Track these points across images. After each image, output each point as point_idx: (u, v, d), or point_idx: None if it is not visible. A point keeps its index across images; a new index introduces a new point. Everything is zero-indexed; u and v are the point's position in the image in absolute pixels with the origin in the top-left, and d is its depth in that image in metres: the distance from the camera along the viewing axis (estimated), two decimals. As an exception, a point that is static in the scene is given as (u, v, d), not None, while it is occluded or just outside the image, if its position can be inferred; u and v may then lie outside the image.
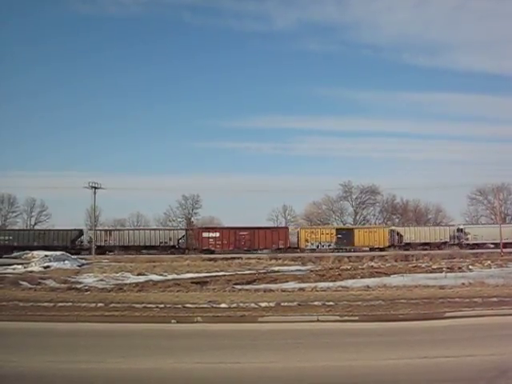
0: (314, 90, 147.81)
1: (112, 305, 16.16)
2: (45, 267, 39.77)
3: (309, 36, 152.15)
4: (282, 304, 16.06)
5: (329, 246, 66.89)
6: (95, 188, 58.32)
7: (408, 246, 67.05)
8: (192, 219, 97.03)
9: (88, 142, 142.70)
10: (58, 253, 50.01)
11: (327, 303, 16.03)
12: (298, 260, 49.57)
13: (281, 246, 66.65)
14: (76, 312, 15.11)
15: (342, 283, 24.97)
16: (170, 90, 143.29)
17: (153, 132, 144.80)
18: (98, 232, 68.73)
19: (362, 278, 30.32)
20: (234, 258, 51.46)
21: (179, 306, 15.94)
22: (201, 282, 26.89)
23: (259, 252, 64.64)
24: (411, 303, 15.95)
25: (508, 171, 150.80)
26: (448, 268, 34.28)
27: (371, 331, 12.78)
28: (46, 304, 16.43)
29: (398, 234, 69.50)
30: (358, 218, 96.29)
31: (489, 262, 43.10)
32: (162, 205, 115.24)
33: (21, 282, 24.29)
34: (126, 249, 65.92)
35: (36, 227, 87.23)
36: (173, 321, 14.13)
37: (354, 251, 64.44)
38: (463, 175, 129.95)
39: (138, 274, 33.07)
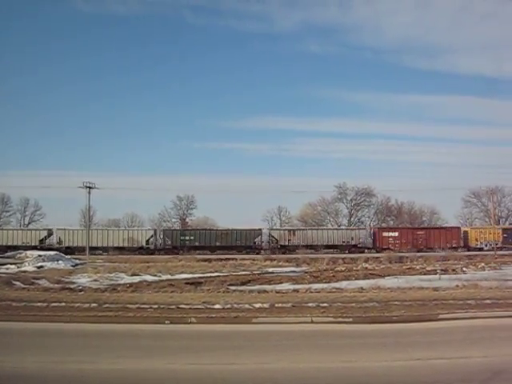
0: (314, 92, 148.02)
1: (106, 305, 16.13)
2: (38, 267, 39.60)
3: (310, 37, 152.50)
4: (276, 305, 16.07)
5: (496, 244, 66.97)
6: (90, 188, 58.11)
7: None
8: (187, 220, 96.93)
9: (83, 142, 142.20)
10: (52, 253, 49.85)
11: (321, 305, 16.06)
12: (293, 261, 49.51)
13: (454, 245, 67.70)
14: (69, 312, 15.08)
15: (336, 285, 24.97)
16: (166, 90, 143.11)
17: (148, 132, 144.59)
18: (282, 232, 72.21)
19: (356, 279, 30.27)
20: (228, 259, 51.40)
21: (173, 306, 15.93)
22: (195, 283, 26.82)
23: (435, 251, 64.78)
24: (405, 305, 15.99)
25: (502, 174, 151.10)
26: (442, 270, 34.29)
27: (365, 333, 12.81)
28: (39, 304, 16.39)
29: None
30: (352, 219, 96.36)
31: (483, 264, 43.17)
32: (156, 205, 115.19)
33: (14, 282, 24.19)
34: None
35: (30, 226, 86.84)
36: (167, 321, 14.10)
37: None
38: (458, 178, 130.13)
39: (132, 275, 32.96)
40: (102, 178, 76.59)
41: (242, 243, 67.80)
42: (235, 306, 16.00)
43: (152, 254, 64.26)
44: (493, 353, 9.93)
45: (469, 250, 65.66)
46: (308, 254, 59.77)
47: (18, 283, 24.08)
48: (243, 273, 37.79)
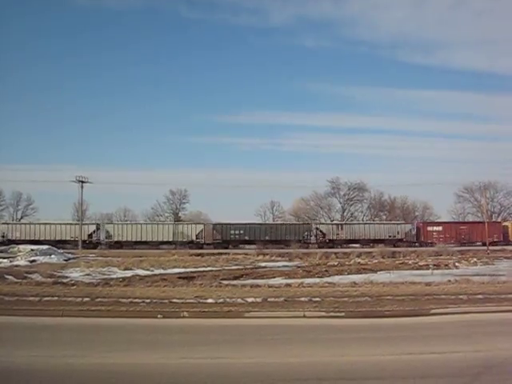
0: (308, 86, 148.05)
1: (98, 299, 16.09)
2: (31, 261, 39.55)
3: (305, 32, 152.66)
4: (269, 300, 16.08)
5: None
6: (82, 182, 58.04)
7: None
8: (179, 214, 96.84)
9: (76, 136, 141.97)
10: (45, 247, 49.77)
11: (314, 299, 16.08)
12: (286, 256, 49.59)
13: (495, 239, 68.59)
14: (62, 306, 15.03)
15: (329, 279, 25.04)
16: (160, 85, 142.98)
17: (143, 127, 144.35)
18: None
19: (348, 274, 30.44)
20: (221, 254, 51.44)
21: (166, 301, 15.90)
22: (188, 277, 26.85)
23: (476, 245, 66.54)
24: (397, 300, 16.03)
25: (495, 169, 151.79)
26: (434, 265, 34.42)
27: (357, 327, 12.84)
28: (31, 298, 16.33)
29: None
30: (345, 214, 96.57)
31: (475, 259, 43.38)
32: (149, 200, 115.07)
33: (6, 276, 24.11)
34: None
35: (22, 220, 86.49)
36: (159, 316, 14.09)
37: None
38: (451, 173, 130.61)
39: (125, 269, 32.99)
40: (94, 173, 76.40)
41: (291, 237, 68.27)
42: (228, 300, 16.00)
43: (201, 248, 64.93)
44: (484, 347, 9.98)
45: (507, 245, 66.49)
46: (357, 249, 61.61)
47: (10, 277, 24.00)
48: (236, 267, 37.91)
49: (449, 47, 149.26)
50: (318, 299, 16.08)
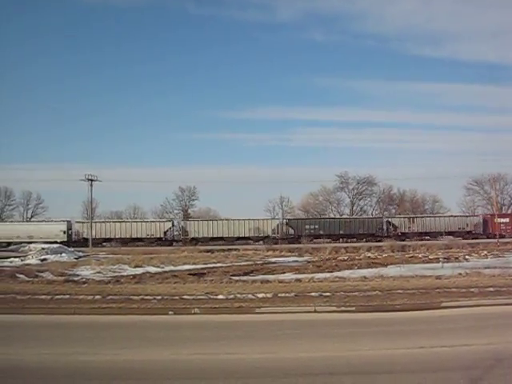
0: (316, 81, 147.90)
1: (109, 297, 16.17)
2: (42, 260, 39.75)
3: (313, 26, 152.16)
4: (279, 295, 16.09)
5: None
6: (92, 180, 58.25)
7: None
8: (189, 211, 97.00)
9: (84, 134, 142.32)
10: (55, 245, 50.04)
11: (324, 294, 16.08)
12: (295, 251, 49.54)
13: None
14: (73, 304, 15.12)
15: (339, 274, 24.99)
16: (167, 82, 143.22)
17: (150, 124, 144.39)
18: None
19: (358, 268, 30.31)
20: (230, 250, 51.48)
21: (176, 297, 15.96)
22: (198, 274, 26.93)
23: None
24: (408, 293, 16.01)
25: (505, 161, 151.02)
26: (445, 258, 34.22)
27: (368, 322, 12.83)
28: (43, 297, 16.43)
29: None
30: (354, 208, 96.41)
31: (485, 252, 43.17)
32: (158, 197, 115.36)
33: (18, 275, 24.25)
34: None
35: (33, 219, 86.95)
36: (170, 312, 14.15)
37: None
38: (460, 165, 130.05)
39: (135, 266, 33.02)
40: (103, 171, 76.84)
41: (365, 231, 69.48)
42: (238, 296, 16.03)
43: (276, 243, 65.02)
44: (496, 340, 9.95)
45: None
46: (426, 241, 62.36)
47: (21, 276, 24.14)
48: (246, 263, 37.91)
49: (458, 39, 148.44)
50: (328, 294, 16.08)
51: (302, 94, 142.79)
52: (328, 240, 67.15)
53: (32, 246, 52.88)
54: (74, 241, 66.98)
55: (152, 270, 31.25)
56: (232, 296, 16.00)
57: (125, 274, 28.28)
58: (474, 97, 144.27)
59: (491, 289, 16.48)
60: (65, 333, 11.91)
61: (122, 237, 68.15)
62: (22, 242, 59.97)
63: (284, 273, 27.69)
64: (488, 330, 11.13)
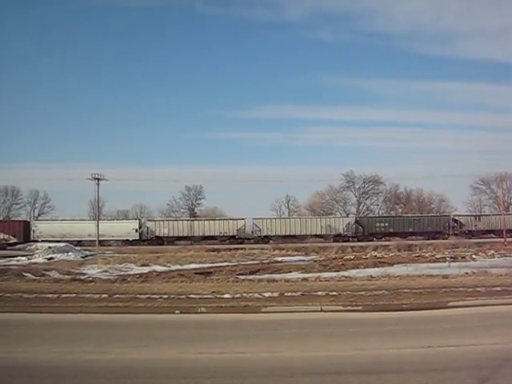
0: (324, 80, 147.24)
1: (116, 296, 16.21)
2: (48, 259, 39.85)
3: (321, 25, 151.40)
4: (286, 294, 16.09)
5: None
6: (98, 179, 58.36)
7: None
8: (195, 210, 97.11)
9: (91, 133, 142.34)
10: (62, 244, 50.18)
11: (331, 293, 16.07)
12: (302, 250, 49.52)
13: None
14: (80, 303, 15.17)
15: (346, 273, 24.99)
16: (174, 80, 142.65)
17: (156, 123, 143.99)
18: None
19: (365, 267, 30.26)
20: (237, 249, 51.47)
21: (183, 296, 15.99)
22: (204, 273, 26.92)
23: None
24: (414, 293, 15.98)
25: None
26: (451, 257, 34.15)
27: (375, 321, 12.82)
28: (50, 295, 16.50)
29: None
30: (361, 207, 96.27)
31: (492, 251, 43.02)
32: (165, 196, 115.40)
33: (25, 274, 24.37)
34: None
35: (39, 218, 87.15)
36: (177, 311, 14.17)
37: None
38: (467, 164, 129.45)
39: (142, 265, 33.09)
40: (109, 170, 76.76)
41: (433, 229, 69.78)
42: (245, 295, 16.04)
43: (347, 241, 65.98)
44: (503, 340, 9.91)
45: None
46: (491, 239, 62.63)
47: (28, 275, 24.25)
48: (252, 262, 37.91)
49: (466, 38, 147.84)
50: (334, 293, 16.07)
51: (309, 93, 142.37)
52: (397, 238, 67.54)
53: (39, 244, 53.04)
54: (145, 239, 68.02)
55: (158, 268, 31.31)
56: (238, 295, 16.01)
57: (131, 272, 28.32)
58: (481, 95, 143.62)
59: (498, 288, 16.42)
60: (71, 331, 11.93)
61: (195, 235, 68.74)
62: (93, 241, 60.69)
63: (290, 272, 27.66)
64: (495, 330, 11.09)
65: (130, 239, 66.12)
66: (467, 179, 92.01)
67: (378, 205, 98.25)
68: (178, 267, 32.74)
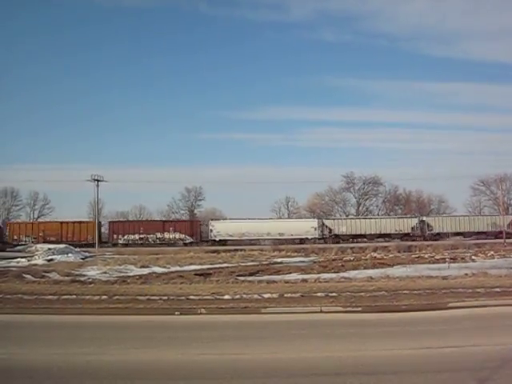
0: (327, 81, 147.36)
1: (116, 297, 16.23)
2: (48, 260, 39.87)
3: (325, 26, 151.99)
4: (285, 295, 16.11)
5: None
6: (98, 181, 58.33)
7: None
8: (195, 211, 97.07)
9: (90, 135, 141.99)
10: (62, 246, 50.15)
11: (330, 294, 16.08)
12: (301, 251, 49.52)
13: None
14: (80, 304, 15.19)
15: (345, 274, 24.99)
16: (175, 81, 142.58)
17: (156, 124, 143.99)
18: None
19: (365, 269, 30.25)
20: (236, 250, 51.46)
21: (183, 297, 16.00)
22: (204, 274, 26.91)
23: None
24: (414, 294, 16.00)
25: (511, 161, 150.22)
26: (451, 258, 34.08)
27: (374, 322, 12.81)
28: (50, 297, 16.52)
29: None
30: (360, 209, 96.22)
31: (492, 252, 43.01)
32: (164, 197, 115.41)
33: (25, 276, 24.37)
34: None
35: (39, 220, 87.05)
36: (176, 313, 14.18)
37: None
38: (467, 166, 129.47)
39: (142, 267, 33.10)
40: (108, 171, 76.82)
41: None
42: (244, 296, 16.06)
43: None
44: (503, 341, 9.90)
45: None
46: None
47: (28, 276, 24.26)
48: (252, 263, 37.90)
49: (470, 39, 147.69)
50: (334, 294, 16.08)
51: (310, 94, 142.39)
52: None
53: (39, 246, 53.02)
54: (324, 237, 69.44)
55: (158, 270, 31.30)
56: (238, 296, 16.03)
57: (131, 274, 28.34)
58: (483, 96, 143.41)
59: (498, 289, 16.44)
60: (71, 333, 11.94)
61: (372, 233, 69.73)
62: (272, 239, 64.02)
63: (290, 273, 27.66)
64: (495, 331, 11.10)
65: (309, 237, 67.79)
66: (467, 180, 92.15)
67: (377, 206, 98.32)
68: (178, 268, 32.73)
